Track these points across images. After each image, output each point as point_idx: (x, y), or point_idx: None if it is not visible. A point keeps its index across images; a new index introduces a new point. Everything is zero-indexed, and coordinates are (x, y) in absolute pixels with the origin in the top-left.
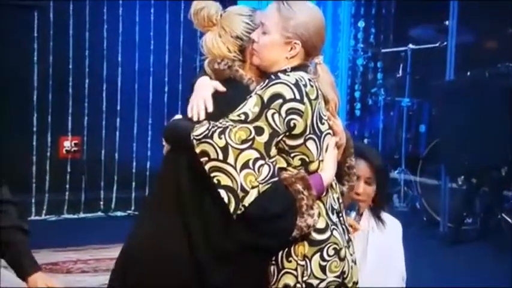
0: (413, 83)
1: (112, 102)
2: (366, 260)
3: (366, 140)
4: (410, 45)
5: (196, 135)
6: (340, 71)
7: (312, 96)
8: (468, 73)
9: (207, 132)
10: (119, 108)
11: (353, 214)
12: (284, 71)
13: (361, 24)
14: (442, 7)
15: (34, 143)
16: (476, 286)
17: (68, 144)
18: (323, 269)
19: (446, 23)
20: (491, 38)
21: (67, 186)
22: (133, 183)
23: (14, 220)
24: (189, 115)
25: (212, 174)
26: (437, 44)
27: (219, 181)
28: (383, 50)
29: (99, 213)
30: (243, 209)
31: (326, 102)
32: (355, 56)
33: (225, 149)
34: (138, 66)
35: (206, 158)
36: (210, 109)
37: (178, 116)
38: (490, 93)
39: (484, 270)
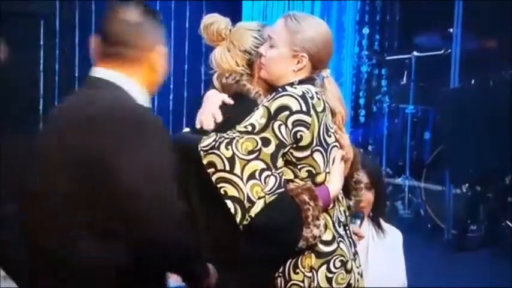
0: (418, 90)
1: None
2: (366, 268)
3: (370, 147)
4: (415, 53)
5: (204, 147)
6: (345, 77)
7: (319, 109)
8: (473, 81)
9: (214, 143)
10: None
11: (358, 222)
12: (291, 84)
13: (365, 31)
14: (447, 14)
15: None
16: None
17: None
18: (329, 281)
19: (451, 30)
20: (495, 45)
21: None
22: None
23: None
24: (197, 126)
25: (219, 185)
26: (441, 52)
27: (225, 192)
28: (387, 57)
29: None
30: (249, 219)
31: (333, 115)
32: (359, 63)
33: (231, 160)
34: None
35: (213, 169)
36: (219, 120)
37: (186, 129)
38: (494, 100)
39: (488, 277)
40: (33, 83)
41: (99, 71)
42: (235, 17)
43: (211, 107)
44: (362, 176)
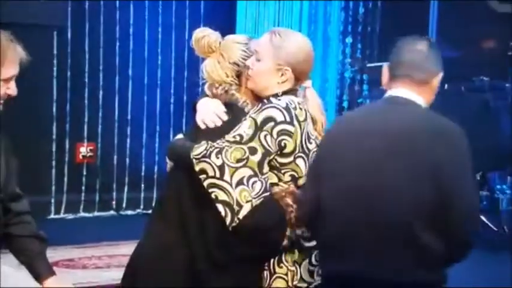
0: None
1: (124, 112)
2: None
3: None
4: None
5: (196, 155)
6: (330, 83)
7: (301, 118)
8: (446, 86)
9: (205, 152)
10: (129, 117)
11: None
12: (276, 95)
13: (348, 40)
14: (422, 25)
15: (53, 149)
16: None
17: (83, 150)
18: (311, 273)
19: None
20: (468, 53)
21: (83, 187)
22: (143, 185)
23: (33, 230)
24: (202, 127)
25: (210, 190)
26: None
27: (216, 196)
28: (368, 64)
29: (112, 212)
30: (237, 221)
31: (314, 122)
32: (343, 69)
33: (221, 168)
34: (147, 80)
35: (205, 176)
36: (224, 119)
37: (180, 135)
38: (466, 106)
39: (485, 274)
40: (47, 87)
41: (396, 91)
42: (231, 18)
43: (213, 109)
44: None
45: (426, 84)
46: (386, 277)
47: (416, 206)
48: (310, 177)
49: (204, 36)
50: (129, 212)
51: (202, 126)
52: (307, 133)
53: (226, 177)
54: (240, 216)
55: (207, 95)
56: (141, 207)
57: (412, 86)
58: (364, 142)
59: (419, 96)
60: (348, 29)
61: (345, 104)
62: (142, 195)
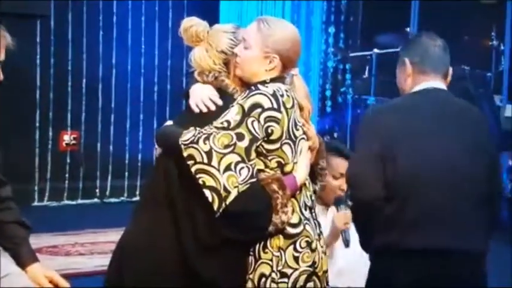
0: (378, 83)
1: (107, 100)
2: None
3: (335, 134)
4: (375, 50)
5: (184, 141)
6: (313, 72)
7: (288, 105)
8: None
9: (193, 138)
10: (113, 105)
11: (343, 207)
12: (264, 82)
13: (331, 30)
14: (404, 16)
15: (37, 137)
16: None
17: (67, 138)
18: (296, 259)
19: (408, 29)
20: (449, 43)
21: (66, 175)
22: (126, 173)
23: (16, 216)
24: (196, 110)
25: (198, 176)
26: (399, 49)
27: (204, 182)
28: (351, 54)
29: (95, 200)
30: (224, 206)
31: (301, 109)
32: (326, 58)
33: (209, 153)
34: (130, 68)
35: (192, 161)
36: (219, 103)
37: (169, 122)
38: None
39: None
40: (31, 74)
41: (430, 83)
42: (213, 15)
43: (206, 93)
44: (338, 163)
45: (446, 77)
46: (468, 248)
47: (484, 178)
48: (375, 161)
49: (191, 25)
50: (113, 200)
51: (196, 110)
52: (294, 120)
53: (214, 163)
54: (227, 202)
55: (198, 81)
56: (125, 195)
57: (441, 78)
58: (433, 124)
59: (445, 88)
60: (331, 18)
61: (328, 93)
62: (126, 183)
